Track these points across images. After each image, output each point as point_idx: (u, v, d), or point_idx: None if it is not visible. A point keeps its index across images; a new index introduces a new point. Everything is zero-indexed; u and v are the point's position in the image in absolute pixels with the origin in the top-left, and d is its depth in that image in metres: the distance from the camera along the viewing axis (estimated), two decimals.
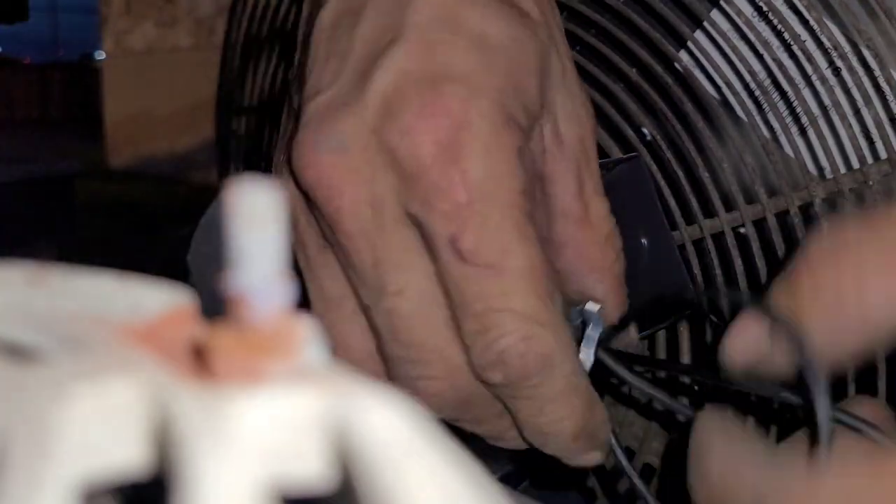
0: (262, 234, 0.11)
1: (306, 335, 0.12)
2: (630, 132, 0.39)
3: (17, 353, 0.13)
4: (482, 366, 0.27)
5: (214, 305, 0.13)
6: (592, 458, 0.31)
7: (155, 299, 0.13)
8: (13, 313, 0.13)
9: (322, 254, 0.28)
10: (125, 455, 0.11)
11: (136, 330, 0.13)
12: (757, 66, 0.36)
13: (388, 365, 0.28)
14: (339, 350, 0.29)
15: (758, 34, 0.35)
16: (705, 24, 0.37)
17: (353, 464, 0.11)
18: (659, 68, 0.37)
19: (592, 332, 0.31)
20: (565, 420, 0.29)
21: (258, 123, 0.64)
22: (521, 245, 0.27)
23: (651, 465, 0.43)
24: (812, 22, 0.34)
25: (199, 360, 0.12)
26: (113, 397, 0.11)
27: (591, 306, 0.32)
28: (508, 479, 0.43)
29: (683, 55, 0.38)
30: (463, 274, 0.26)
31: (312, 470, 0.11)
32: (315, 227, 0.28)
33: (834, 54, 0.34)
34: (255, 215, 0.11)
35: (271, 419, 0.11)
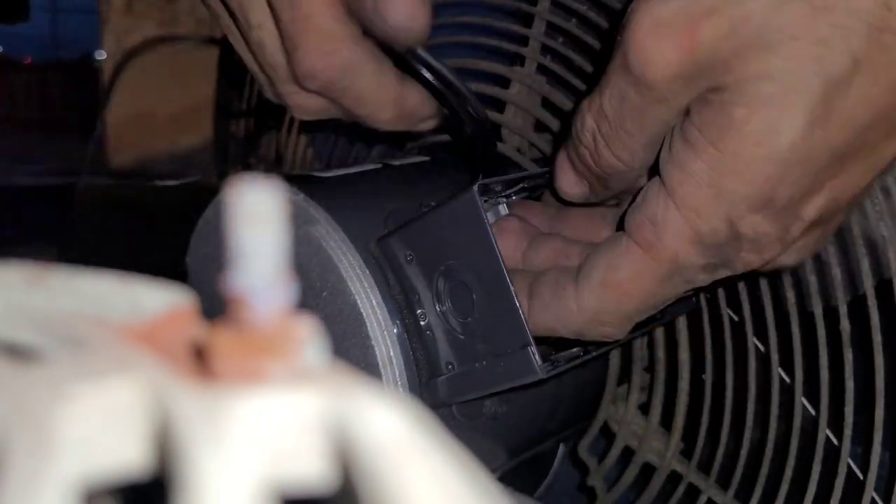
0: (262, 234, 0.11)
1: (306, 335, 0.12)
2: None
3: (17, 353, 0.13)
4: (300, 77, 0.36)
5: (214, 305, 0.13)
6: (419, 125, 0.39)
7: (155, 299, 0.13)
8: (13, 313, 0.13)
9: None
10: (125, 455, 0.11)
11: (136, 330, 0.13)
12: None
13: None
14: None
15: None
16: None
17: (353, 464, 0.11)
18: None
19: None
20: (380, 110, 0.37)
21: (256, 125, 0.64)
22: None
23: (650, 464, 0.43)
24: None
25: (199, 360, 0.12)
26: (113, 397, 0.11)
27: None
28: (508, 479, 0.43)
29: None
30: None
31: (312, 470, 0.11)
32: None
33: None
34: (255, 215, 0.11)
35: (271, 419, 0.11)
